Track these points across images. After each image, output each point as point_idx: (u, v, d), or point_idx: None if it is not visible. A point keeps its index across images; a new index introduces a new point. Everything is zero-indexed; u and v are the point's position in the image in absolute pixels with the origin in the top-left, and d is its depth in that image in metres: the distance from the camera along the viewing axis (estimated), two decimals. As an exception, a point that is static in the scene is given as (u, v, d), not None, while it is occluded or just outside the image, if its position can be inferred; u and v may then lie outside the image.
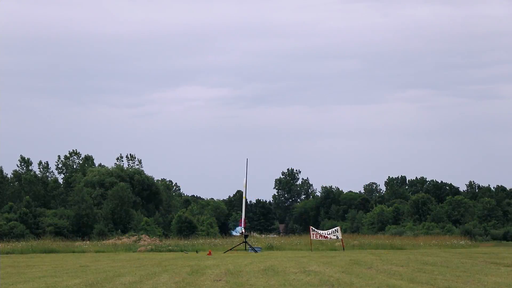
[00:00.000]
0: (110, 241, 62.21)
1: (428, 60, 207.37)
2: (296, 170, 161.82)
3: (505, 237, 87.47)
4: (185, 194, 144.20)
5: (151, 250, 52.54)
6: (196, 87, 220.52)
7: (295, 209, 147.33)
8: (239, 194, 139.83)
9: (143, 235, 66.20)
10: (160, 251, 51.98)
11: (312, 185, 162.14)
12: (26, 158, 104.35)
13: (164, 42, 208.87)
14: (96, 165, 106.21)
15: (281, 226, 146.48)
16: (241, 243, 48.95)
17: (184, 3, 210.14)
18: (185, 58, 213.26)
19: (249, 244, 48.70)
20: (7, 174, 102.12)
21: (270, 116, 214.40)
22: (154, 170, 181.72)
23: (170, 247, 54.06)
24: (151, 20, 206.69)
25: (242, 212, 50.64)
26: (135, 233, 72.21)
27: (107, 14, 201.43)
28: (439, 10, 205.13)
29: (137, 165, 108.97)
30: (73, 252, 51.12)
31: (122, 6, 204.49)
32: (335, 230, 47.34)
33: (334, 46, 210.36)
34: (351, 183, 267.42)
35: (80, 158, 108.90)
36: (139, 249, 53.11)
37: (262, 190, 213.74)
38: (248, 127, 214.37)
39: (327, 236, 47.16)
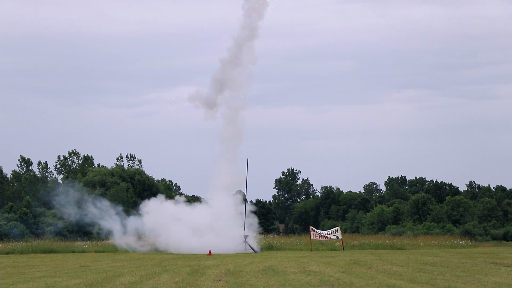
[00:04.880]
0: (110, 241, 62.12)
1: (425, 61, 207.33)
2: (296, 170, 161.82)
3: (505, 237, 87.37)
4: (185, 194, 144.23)
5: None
6: (193, 88, 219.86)
7: (295, 209, 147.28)
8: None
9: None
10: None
11: (312, 185, 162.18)
12: (26, 158, 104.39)
13: (161, 42, 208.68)
14: (96, 165, 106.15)
15: (281, 226, 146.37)
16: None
17: (182, 4, 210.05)
18: (182, 58, 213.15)
19: (249, 244, 48.69)
20: (6, 174, 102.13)
21: (268, 117, 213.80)
22: (154, 170, 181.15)
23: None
24: (148, 20, 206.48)
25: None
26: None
27: (104, 15, 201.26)
28: (435, 10, 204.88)
29: (137, 165, 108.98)
30: (73, 252, 51.10)
31: (119, 6, 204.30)
32: (335, 230, 47.32)
33: (330, 47, 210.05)
34: (351, 183, 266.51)
35: (80, 158, 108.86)
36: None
37: (262, 190, 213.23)
38: (247, 127, 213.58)
39: (327, 236, 47.15)
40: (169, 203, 56.05)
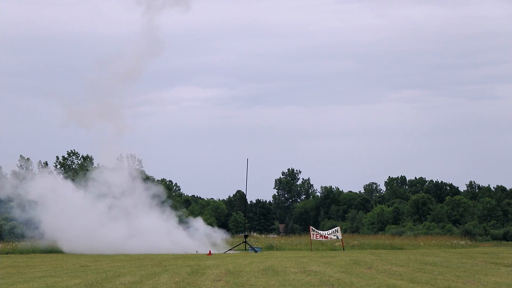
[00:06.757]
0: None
1: (424, 61, 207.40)
2: (297, 170, 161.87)
3: (505, 237, 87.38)
4: (185, 194, 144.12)
5: (151, 250, 52.38)
6: (191, 88, 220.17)
7: (295, 209, 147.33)
8: (239, 194, 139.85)
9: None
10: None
11: (312, 185, 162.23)
12: (26, 158, 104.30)
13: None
14: (96, 165, 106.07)
15: (281, 226, 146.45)
16: (241, 243, 48.96)
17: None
18: (182, 58, 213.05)
19: (249, 244, 48.71)
20: (6, 174, 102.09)
21: (267, 117, 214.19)
22: (154, 170, 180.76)
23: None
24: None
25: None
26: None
27: (103, 15, 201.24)
28: (434, 10, 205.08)
29: (137, 165, 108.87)
30: (73, 252, 51.04)
31: (118, 6, 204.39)
32: (335, 230, 47.33)
33: (329, 47, 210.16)
34: (351, 183, 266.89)
35: (79, 158, 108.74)
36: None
37: (262, 190, 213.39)
38: (247, 127, 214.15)
39: (327, 236, 47.16)
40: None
